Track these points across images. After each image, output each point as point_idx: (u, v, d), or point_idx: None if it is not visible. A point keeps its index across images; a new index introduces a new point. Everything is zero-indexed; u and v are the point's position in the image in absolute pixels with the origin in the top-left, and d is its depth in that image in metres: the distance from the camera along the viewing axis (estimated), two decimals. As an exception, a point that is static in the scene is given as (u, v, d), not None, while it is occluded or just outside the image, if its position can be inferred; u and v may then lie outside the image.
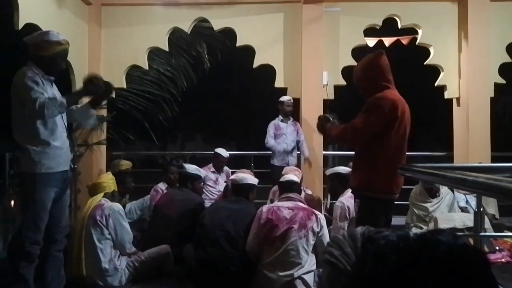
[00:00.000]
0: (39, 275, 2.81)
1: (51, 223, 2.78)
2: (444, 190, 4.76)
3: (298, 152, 5.27)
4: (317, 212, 3.26)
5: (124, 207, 3.97)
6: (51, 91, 2.76)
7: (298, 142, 5.19)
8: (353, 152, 2.89)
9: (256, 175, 3.92)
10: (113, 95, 3.18)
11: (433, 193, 4.74)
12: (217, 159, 5.53)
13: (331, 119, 2.95)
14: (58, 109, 2.63)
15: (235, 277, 3.17)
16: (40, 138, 2.68)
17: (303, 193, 3.84)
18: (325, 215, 3.68)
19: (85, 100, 3.18)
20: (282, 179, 3.57)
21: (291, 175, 3.58)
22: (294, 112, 5.39)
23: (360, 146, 2.77)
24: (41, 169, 2.67)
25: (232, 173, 5.61)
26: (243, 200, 3.56)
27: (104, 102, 3.34)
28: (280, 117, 5.21)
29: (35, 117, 2.64)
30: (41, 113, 2.57)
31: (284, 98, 5.21)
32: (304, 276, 3.00)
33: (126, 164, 5.09)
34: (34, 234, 2.68)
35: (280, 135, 5.12)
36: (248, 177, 3.70)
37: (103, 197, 3.53)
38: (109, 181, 3.64)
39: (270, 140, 5.19)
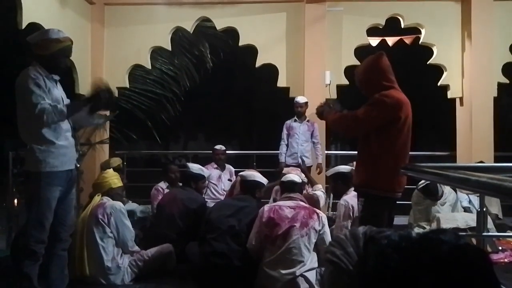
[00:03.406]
0: (43, 273, 2.82)
1: (57, 222, 2.78)
2: (447, 190, 4.74)
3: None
4: (318, 211, 3.28)
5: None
6: (55, 91, 2.76)
7: (314, 143, 5.16)
8: (355, 152, 2.89)
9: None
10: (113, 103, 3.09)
11: (431, 197, 4.69)
12: (214, 154, 5.62)
13: (331, 105, 2.96)
14: (57, 117, 2.62)
15: (238, 272, 3.19)
16: (45, 137, 2.68)
17: (304, 192, 3.85)
18: (327, 215, 3.68)
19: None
20: (283, 178, 3.58)
21: (293, 175, 3.59)
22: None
23: (364, 145, 2.77)
24: (46, 167, 2.67)
25: (236, 172, 5.63)
26: (249, 198, 3.59)
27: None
28: (295, 117, 5.20)
29: (36, 122, 2.63)
30: (40, 119, 2.57)
31: (296, 98, 5.17)
32: (306, 274, 3.01)
33: (117, 161, 5.10)
34: (39, 233, 2.68)
35: (292, 135, 5.12)
36: (256, 174, 3.78)
37: (103, 195, 3.53)
38: (104, 179, 3.62)
39: (281, 146, 5.17)
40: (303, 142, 5.07)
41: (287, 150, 5.13)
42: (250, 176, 3.72)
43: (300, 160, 4.99)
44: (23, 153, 4.08)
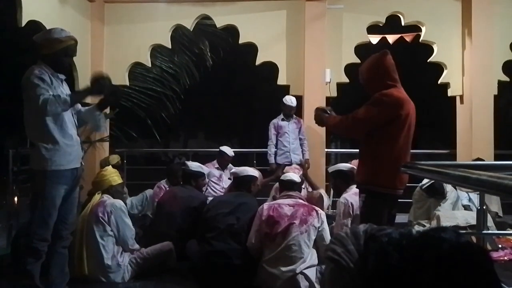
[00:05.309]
0: (43, 271, 2.82)
1: (58, 219, 2.78)
2: (449, 188, 4.74)
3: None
4: (317, 208, 3.28)
5: (125, 202, 3.95)
6: (61, 89, 2.76)
7: (300, 139, 5.17)
8: (356, 150, 2.90)
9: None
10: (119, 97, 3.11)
11: (437, 195, 4.68)
12: (222, 158, 5.49)
13: (328, 111, 2.97)
14: (61, 107, 2.62)
15: (238, 271, 3.19)
16: (51, 135, 2.68)
17: (303, 190, 3.86)
18: (327, 213, 3.68)
19: (93, 102, 3.17)
20: (283, 177, 3.60)
21: (292, 174, 3.61)
22: (297, 110, 5.38)
23: (366, 142, 2.78)
24: (51, 166, 2.67)
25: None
26: (245, 194, 3.59)
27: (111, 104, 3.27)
28: (282, 115, 5.21)
29: (40, 114, 2.63)
30: (44, 109, 2.57)
31: (285, 100, 5.16)
32: (306, 271, 3.01)
33: (116, 158, 5.09)
34: (43, 231, 2.69)
35: (282, 134, 5.13)
36: (248, 169, 3.80)
37: (103, 193, 3.53)
38: (103, 177, 3.61)
39: (270, 146, 5.21)
40: (294, 140, 5.11)
41: (276, 149, 5.15)
42: (242, 171, 3.75)
43: (291, 159, 5.02)
44: (24, 151, 4.08)
